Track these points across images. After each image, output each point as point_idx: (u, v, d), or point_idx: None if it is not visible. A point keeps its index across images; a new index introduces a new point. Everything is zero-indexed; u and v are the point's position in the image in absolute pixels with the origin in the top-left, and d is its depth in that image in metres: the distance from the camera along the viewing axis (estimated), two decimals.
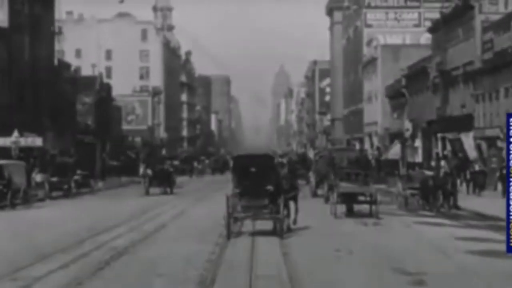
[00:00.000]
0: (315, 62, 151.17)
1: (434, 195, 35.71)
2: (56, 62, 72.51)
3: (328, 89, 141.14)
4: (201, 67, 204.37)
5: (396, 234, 24.18)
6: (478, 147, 55.78)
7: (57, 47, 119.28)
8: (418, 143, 72.50)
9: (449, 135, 61.10)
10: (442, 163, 63.13)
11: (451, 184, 36.38)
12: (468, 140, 57.60)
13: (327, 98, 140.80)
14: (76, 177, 54.25)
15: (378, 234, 24.12)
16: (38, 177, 48.12)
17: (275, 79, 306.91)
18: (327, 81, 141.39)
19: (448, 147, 62.18)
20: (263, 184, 23.00)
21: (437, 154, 65.25)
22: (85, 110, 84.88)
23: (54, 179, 47.86)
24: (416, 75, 72.68)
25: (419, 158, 71.78)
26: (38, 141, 56.43)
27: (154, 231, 23.96)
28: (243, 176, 23.48)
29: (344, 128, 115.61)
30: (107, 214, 31.49)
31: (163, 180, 47.97)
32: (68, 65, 77.32)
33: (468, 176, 48.85)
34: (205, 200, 40.59)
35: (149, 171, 47.76)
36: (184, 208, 34.12)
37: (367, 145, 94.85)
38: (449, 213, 34.10)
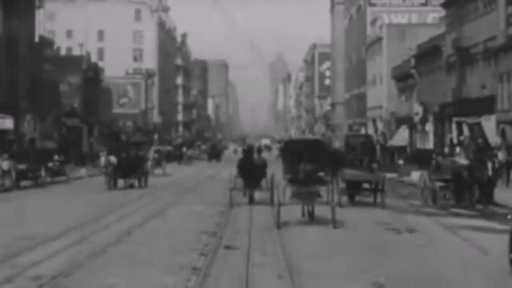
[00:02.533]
0: (314, 45, 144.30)
1: (470, 189, 28.73)
2: (37, 38, 65.16)
3: (328, 73, 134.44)
4: (198, 51, 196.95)
5: (445, 249, 17.11)
6: (502, 132, 48.83)
7: (47, 27, 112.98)
8: (429, 127, 65.44)
9: (468, 119, 53.93)
10: (457, 149, 56.33)
11: (490, 175, 29.36)
12: (489, 125, 50.54)
13: (327, 82, 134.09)
14: (50, 164, 47.22)
15: (421, 248, 17.07)
16: (4, 164, 40.76)
17: (273, 64, 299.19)
18: (327, 64, 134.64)
19: (465, 132, 54.99)
20: (315, 170, 21.63)
21: (451, 140, 58.18)
22: (71, 92, 77.72)
23: (22, 166, 40.57)
24: (427, 55, 65.55)
25: (429, 144, 64.81)
26: (8, 123, 49.41)
27: (107, 247, 16.38)
28: (294, 162, 21.88)
29: (346, 112, 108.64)
30: (58, 215, 24.14)
31: (129, 171, 37.52)
32: (50, 43, 70.00)
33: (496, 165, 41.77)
34: (190, 195, 32.75)
35: (113, 159, 37.47)
36: (160, 208, 26.14)
37: (370, 130, 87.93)
38: (487, 211, 27.15)
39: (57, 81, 69.95)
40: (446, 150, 57.91)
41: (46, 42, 68.23)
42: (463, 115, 54.90)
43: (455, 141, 57.31)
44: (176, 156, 72.38)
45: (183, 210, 25.22)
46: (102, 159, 38.41)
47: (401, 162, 56.72)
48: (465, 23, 55.46)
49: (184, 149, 75.39)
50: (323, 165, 22.07)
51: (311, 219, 21.68)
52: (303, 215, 22.02)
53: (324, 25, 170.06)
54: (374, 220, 22.72)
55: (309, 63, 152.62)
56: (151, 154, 48.37)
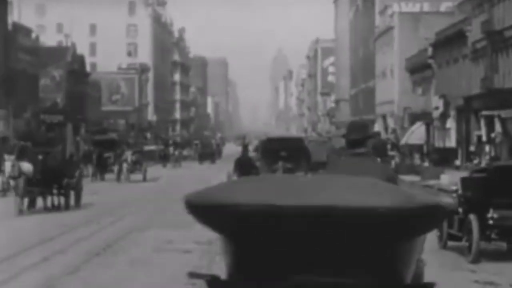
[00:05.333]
0: (317, 40, 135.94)
1: None
2: (10, 26, 56.79)
3: (331, 69, 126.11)
4: (197, 48, 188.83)
5: None
6: None
7: (36, 21, 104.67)
8: (450, 124, 56.91)
9: (501, 113, 45.51)
10: (487, 148, 48.06)
11: None
12: None
13: (330, 78, 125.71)
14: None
15: None
16: None
17: (273, 62, 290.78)
18: (330, 60, 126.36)
19: (498, 128, 46.64)
20: (294, 169, 20.58)
21: (479, 137, 49.79)
22: (54, 86, 69.39)
23: None
24: (448, 42, 57.08)
25: (451, 143, 56.43)
26: None
27: None
28: (273, 161, 21.09)
29: (351, 109, 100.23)
30: None
31: (51, 183, 23.61)
32: (27, 31, 61.43)
33: None
34: (166, 214, 22.72)
35: (27, 166, 22.89)
36: (113, 238, 16.99)
37: (380, 128, 79.62)
38: None
39: (35, 73, 61.54)
40: (472, 148, 49.65)
41: (22, 30, 59.83)
42: (495, 109, 46.55)
43: (484, 138, 49.09)
44: (162, 157, 62.60)
45: (145, 242, 16.47)
46: (7, 167, 23.94)
47: (426, 164, 48.28)
48: (497, 3, 47.02)
49: (171, 148, 65.24)
50: (302, 162, 21.00)
51: None
52: None
53: (326, 19, 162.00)
54: (440, 259, 14.22)
55: (311, 59, 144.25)
56: (129, 156, 39.00)
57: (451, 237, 15.72)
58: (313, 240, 4.22)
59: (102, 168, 40.55)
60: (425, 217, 4.31)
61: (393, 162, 47.11)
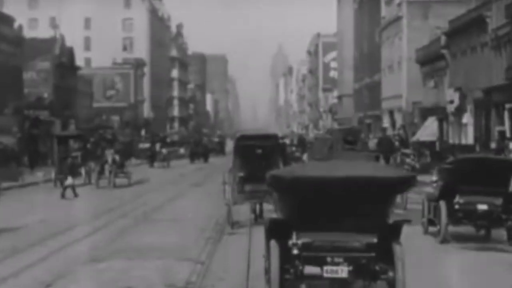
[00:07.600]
0: (318, 35, 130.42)
1: None
2: None
3: (333, 64, 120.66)
4: (196, 45, 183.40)
5: None
6: None
7: (29, 14, 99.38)
8: (467, 119, 51.55)
9: None
10: (511, 145, 42.73)
11: None
12: None
13: (332, 73, 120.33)
14: None
15: None
16: None
17: (273, 59, 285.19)
18: (332, 55, 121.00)
19: None
20: (270, 167, 17.73)
21: (502, 133, 44.48)
22: (41, 80, 64.01)
23: None
24: (464, 30, 51.70)
25: (467, 139, 51.07)
26: None
27: None
28: (247, 159, 19.86)
29: (355, 105, 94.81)
30: None
31: None
32: (10, 20, 55.80)
33: None
34: (143, 231, 17.84)
35: None
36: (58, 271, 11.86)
37: (386, 124, 74.39)
38: None
39: (18, 65, 56.08)
40: (493, 145, 44.32)
41: (3, 19, 54.34)
42: None
43: (508, 134, 43.78)
44: (149, 156, 56.38)
45: (106, 275, 11.03)
46: None
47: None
48: None
49: (158, 146, 58.94)
50: (277, 161, 20.14)
51: (258, 218, 19.39)
52: (255, 218, 19.38)
53: (327, 14, 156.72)
54: None
55: (312, 54, 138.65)
56: (110, 156, 32.65)
57: (430, 222, 17.27)
58: (344, 198, 8.86)
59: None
60: (408, 182, 9.25)
61: (408, 161, 41.89)
